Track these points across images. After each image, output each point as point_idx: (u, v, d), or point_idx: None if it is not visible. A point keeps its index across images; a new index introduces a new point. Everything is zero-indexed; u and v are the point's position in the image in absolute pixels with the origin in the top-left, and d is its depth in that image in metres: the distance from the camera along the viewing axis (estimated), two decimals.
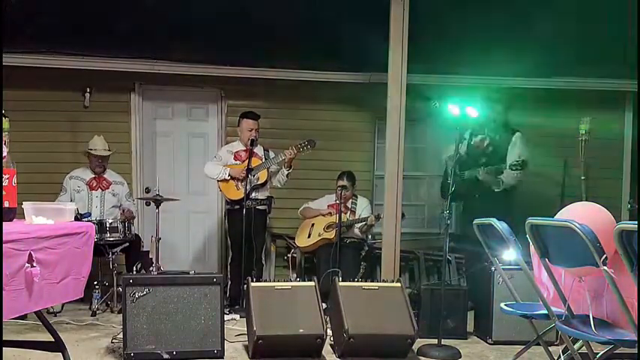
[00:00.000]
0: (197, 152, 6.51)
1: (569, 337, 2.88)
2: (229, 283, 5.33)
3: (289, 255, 6.01)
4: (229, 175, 5.30)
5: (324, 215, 5.72)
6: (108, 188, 5.57)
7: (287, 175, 5.39)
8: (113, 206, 5.57)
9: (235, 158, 5.42)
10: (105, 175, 5.60)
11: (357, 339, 3.79)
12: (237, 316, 4.85)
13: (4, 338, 2.67)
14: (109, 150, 5.60)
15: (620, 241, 2.12)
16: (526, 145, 5.39)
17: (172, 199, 5.46)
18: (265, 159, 5.42)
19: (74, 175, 5.56)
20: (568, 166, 6.46)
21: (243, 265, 5.15)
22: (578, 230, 2.34)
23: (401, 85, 4.78)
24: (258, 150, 5.47)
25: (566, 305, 2.82)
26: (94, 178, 5.54)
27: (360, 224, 5.68)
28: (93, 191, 5.52)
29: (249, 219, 5.15)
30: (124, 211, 5.56)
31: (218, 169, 5.37)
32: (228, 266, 5.59)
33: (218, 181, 5.40)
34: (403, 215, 5.01)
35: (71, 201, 5.34)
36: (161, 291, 3.81)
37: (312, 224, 5.73)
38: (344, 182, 5.66)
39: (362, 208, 5.77)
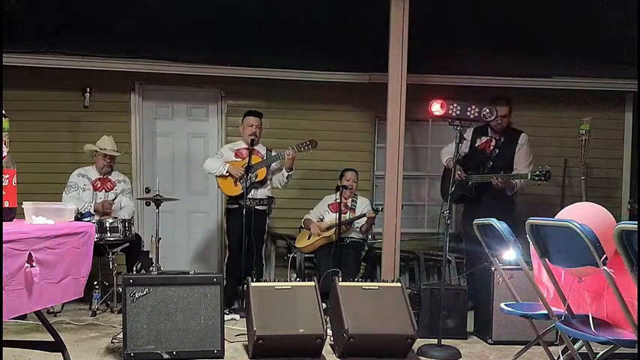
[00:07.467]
0: (197, 152, 6.50)
1: (569, 337, 2.87)
2: (225, 282, 5.31)
3: (289, 255, 6.01)
4: (227, 171, 5.29)
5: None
6: (112, 189, 5.56)
7: (287, 177, 5.37)
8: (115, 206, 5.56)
9: (236, 155, 5.40)
10: (110, 177, 5.58)
11: (357, 339, 3.79)
12: (237, 316, 4.85)
13: (4, 338, 2.67)
14: (117, 151, 5.56)
15: (620, 241, 2.12)
16: (531, 147, 5.29)
17: (172, 199, 5.45)
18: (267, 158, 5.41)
19: (82, 173, 5.52)
20: (568, 166, 6.48)
21: (241, 265, 5.11)
22: (578, 230, 2.34)
23: (401, 85, 4.77)
24: (260, 149, 5.45)
25: (566, 305, 2.82)
26: (99, 179, 5.52)
27: (360, 223, 5.68)
28: (97, 192, 5.51)
29: (248, 219, 5.12)
30: (103, 204, 5.41)
31: (217, 164, 5.35)
32: (225, 265, 5.57)
33: (217, 176, 5.39)
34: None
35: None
36: (161, 291, 3.80)
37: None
38: (351, 175, 5.70)
39: (362, 207, 5.77)
